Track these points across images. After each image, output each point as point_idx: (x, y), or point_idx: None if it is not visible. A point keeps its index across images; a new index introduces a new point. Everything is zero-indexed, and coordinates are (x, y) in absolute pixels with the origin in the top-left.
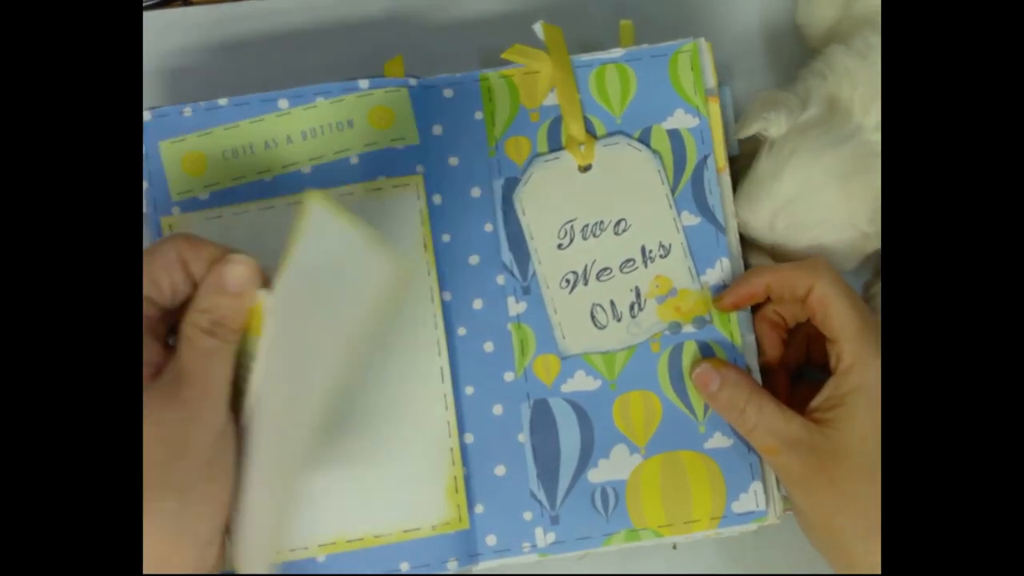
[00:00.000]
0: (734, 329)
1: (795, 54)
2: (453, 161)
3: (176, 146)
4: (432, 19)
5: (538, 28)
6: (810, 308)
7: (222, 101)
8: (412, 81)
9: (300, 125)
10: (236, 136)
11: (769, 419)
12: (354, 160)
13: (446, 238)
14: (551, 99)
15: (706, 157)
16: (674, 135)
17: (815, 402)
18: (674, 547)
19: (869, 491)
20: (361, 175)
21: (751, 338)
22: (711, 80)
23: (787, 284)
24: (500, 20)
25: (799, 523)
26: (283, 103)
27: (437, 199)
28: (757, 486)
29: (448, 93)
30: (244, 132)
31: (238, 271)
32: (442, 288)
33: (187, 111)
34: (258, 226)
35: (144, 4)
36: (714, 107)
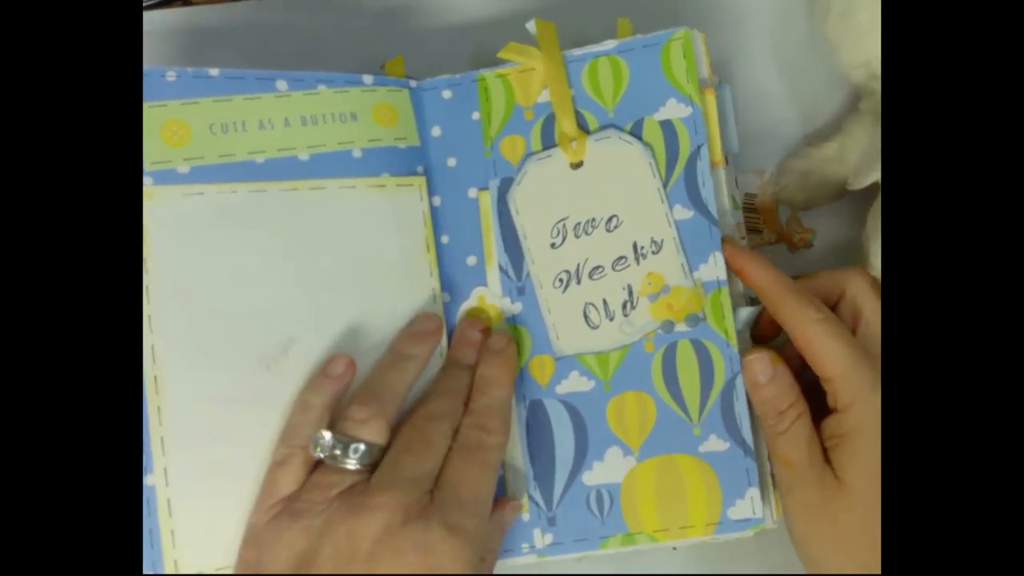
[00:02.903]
0: (728, 327)
1: (796, 53)
2: (451, 162)
3: (155, 111)
4: (428, 20)
5: (531, 25)
6: (799, 350)
7: (213, 71)
8: (412, 82)
9: (300, 110)
10: (228, 110)
11: (800, 432)
12: (357, 154)
13: (445, 239)
14: (545, 96)
15: (699, 147)
16: (666, 126)
17: None
18: (674, 548)
19: (870, 532)
20: (364, 170)
21: (746, 334)
22: (705, 70)
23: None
24: (497, 21)
25: (791, 538)
26: (281, 84)
27: (436, 200)
28: (754, 492)
29: (447, 94)
30: (237, 107)
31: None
32: (442, 290)
33: (171, 75)
34: (248, 210)
35: (144, 4)
36: (709, 97)
